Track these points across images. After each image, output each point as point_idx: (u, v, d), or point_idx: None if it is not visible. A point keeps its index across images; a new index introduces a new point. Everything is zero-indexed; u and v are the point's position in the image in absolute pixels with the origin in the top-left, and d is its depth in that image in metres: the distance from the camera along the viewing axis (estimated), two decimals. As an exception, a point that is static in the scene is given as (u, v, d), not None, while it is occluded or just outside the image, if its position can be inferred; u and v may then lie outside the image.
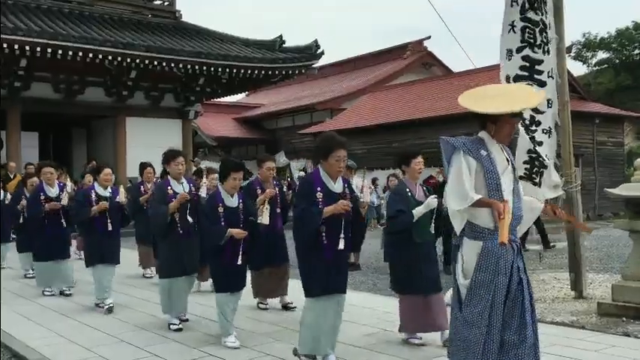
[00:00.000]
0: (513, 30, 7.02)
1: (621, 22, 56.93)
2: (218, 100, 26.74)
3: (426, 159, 5.55)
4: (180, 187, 6.14)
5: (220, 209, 5.37)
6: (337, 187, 4.58)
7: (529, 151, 7.03)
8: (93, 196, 7.06)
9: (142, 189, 8.94)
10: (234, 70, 19.39)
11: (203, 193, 6.87)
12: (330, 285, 4.56)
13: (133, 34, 18.64)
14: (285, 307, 6.82)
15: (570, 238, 7.70)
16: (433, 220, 5.30)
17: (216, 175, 7.60)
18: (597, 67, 38.87)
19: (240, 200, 5.53)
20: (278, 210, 6.74)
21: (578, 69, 39.19)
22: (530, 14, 6.94)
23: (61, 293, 7.86)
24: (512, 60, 7.12)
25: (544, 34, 7.04)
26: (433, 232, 5.39)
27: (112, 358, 5.13)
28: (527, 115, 7.05)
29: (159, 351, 5.29)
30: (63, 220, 7.80)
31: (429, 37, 33.53)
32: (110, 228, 7.07)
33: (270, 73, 20.39)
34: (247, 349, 5.27)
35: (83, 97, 19.22)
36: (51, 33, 16.22)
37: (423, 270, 5.23)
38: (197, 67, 18.63)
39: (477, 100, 3.75)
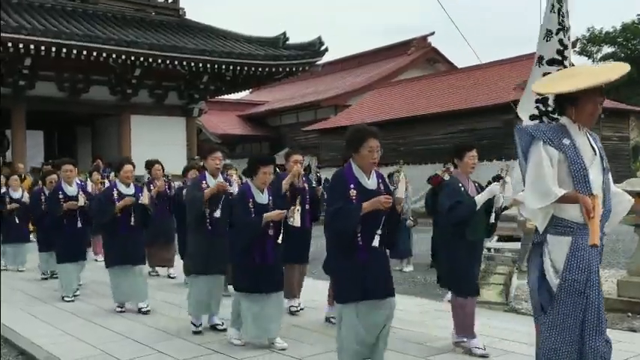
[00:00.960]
0: (553, 10, 7.02)
1: (626, 17, 56.68)
2: (222, 97, 26.73)
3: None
4: (214, 182, 5.96)
5: (251, 205, 5.17)
6: (371, 183, 4.23)
7: None
8: (115, 194, 6.76)
9: (152, 187, 8.61)
10: (238, 68, 19.39)
11: (235, 189, 6.54)
12: (369, 290, 4.11)
13: (137, 32, 18.65)
14: (291, 310, 6.57)
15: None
16: (489, 217, 5.00)
17: (233, 171, 7.66)
18: (602, 62, 38.70)
19: (270, 197, 5.34)
20: (307, 206, 6.39)
21: (583, 63, 39.01)
22: None
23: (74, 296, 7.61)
24: (550, 41, 7.10)
25: (566, 19, 7.07)
26: (488, 229, 5.12)
27: (116, 354, 5.15)
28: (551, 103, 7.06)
29: (163, 347, 5.31)
30: (79, 220, 7.56)
31: (433, 33, 33.44)
32: (132, 226, 6.77)
33: (273, 70, 20.38)
34: (252, 347, 5.25)
35: (88, 96, 19.25)
36: (55, 31, 16.24)
37: (476, 271, 5.07)
38: (201, 64, 18.63)
39: (554, 82, 3.53)
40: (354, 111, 28.58)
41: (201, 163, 6.85)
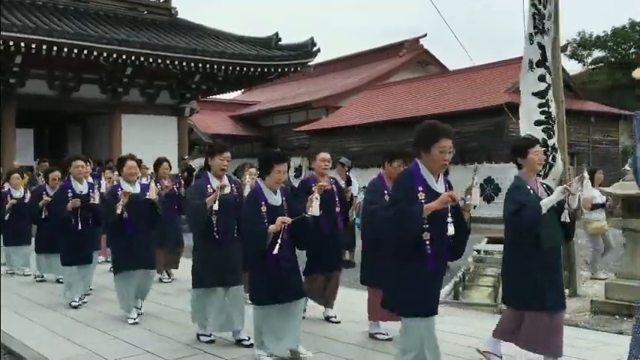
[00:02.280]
0: (531, 15, 7.15)
1: (617, 21, 57.05)
2: (214, 97, 26.70)
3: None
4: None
5: (263, 208, 4.70)
6: (440, 187, 3.88)
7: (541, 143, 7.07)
8: (120, 193, 6.18)
9: (160, 187, 8.01)
10: (230, 68, 19.36)
11: (247, 189, 6.04)
12: (435, 307, 3.83)
13: (129, 31, 18.58)
14: (328, 319, 6.12)
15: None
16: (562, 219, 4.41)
17: (253, 170, 6.99)
18: (593, 66, 38.91)
19: (284, 197, 4.86)
20: (337, 209, 5.96)
21: (573, 67, 39.23)
22: (535, 1, 7.09)
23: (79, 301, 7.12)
24: (533, 44, 7.22)
25: (541, 22, 7.16)
26: (566, 233, 4.53)
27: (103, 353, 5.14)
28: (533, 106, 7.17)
29: (151, 348, 5.29)
30: (91, 220, 7.04)
31: (425, 35, 33.56)
32: (138, 228, 6.22)
33: (265, 70, 20.36)
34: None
35: (78, 94, 19.17)
36: (46, 30, 16.15)
37: (552, 281, 4.39)
38: (192, 64, 18.59)
39: None
40: (344, 112, 28.63)
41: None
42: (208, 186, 5.31)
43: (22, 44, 15.63)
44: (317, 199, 4.71)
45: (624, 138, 25.94)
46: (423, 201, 3.76)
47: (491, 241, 10.89)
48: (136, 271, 6.26)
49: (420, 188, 3.82)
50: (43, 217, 8.16)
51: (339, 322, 6.02)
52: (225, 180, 5.40)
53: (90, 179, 7.62)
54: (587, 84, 34.17)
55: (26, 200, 9.34)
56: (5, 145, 17.62)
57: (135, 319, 6.16)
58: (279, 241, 4.51)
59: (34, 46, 15.76)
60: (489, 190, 19.32)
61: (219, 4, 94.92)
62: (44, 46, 15.87)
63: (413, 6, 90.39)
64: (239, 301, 5.39)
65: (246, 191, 5.86)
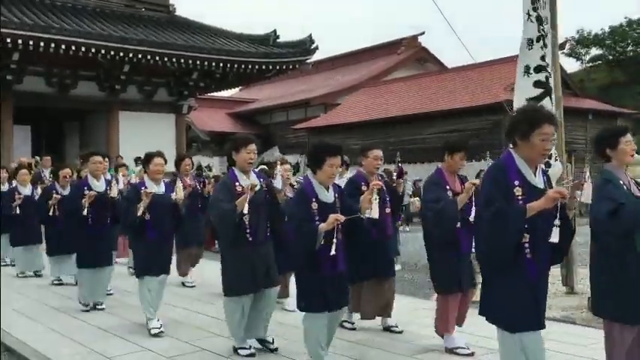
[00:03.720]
0: (530, 20, 7.09)
1: (615, 19, 57.08)
2: (212, 94, 26.67)
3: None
4: (251, 181, 4.97)
5: (314, 205, 4.25)
6: (539, 180, 3.36)
7: None
8: (142, 193, 5.70)
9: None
10: (228, 65, 19.33)
11: (278, 184, 5.63)
12: (541, 319, 3.38)
13: (126, 28, 18.54)
14: (389, 329, 5.68)
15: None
16: None
17: (288, 166, 6.56)
18: (591, 64, 38.99)
19: (336, 194, 4.43)
20: (388, 210, 5.52)
21: (571, 65, 39.27)
22: (537, 4, 7.05)
23: (95, 307, 6.69)
24: (533, 49, 7.15)
25: (541, 26, 7.13)
26: None
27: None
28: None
29: (150, 345, 5.29)
30: (108, 219, 6.65)
31: (423, 33, 33.55)
32: (161, 231, 5.77)
33: (263, 67, 20.34)
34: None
35: (76, 91, 19.13)
36: (44, 26, 16.11)
37: None
38: (190, 61, 18.56)
39: None
40: (343, 110, 28.61)
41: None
42: (236, 184, 4.87)
43: (20, 41, 15.59)
44: (376, 199, 4.34)
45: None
46: (520, 198, 3.23)
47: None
48: (157, 277, 5.80)
49: (517, 182, 3.28)
50: (51, 215, 7.73)
51: (401, 332, 5.57)
52: (254, 177, 4.98)
53: (108, 176, 7.20)
54: (585, 82, 34.23)
55: (36, 197, 8.89)
56: (2, 142, 17.57)
57: (159, 328, 5.67)
58: (334, 240, 4.08)
59: (31, 42, 15.72)
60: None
61: (217, 1, 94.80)
62: (42, 43, 15.83)
63: (412, 3, 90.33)
64: (272, 306, 5.07)
65: (278, 183, 5.53)
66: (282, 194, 5.23)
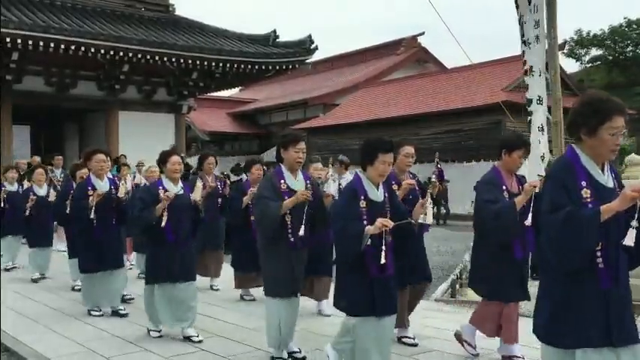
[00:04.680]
0: (523, 21, 7.20)
1: (614, 19, 57.14)
2: (211, 94, 26.67)
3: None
4: (298, 183, 4.75)
5: (362, 204, 4.00)
6: (607, 178, 3.00)
7: None
8: (161, 193, 5.42)
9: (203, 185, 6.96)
10: (228, 65, 19.32)
11: (330, 188, 5.34)
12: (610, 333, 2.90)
13: (126, 28, 18.53)
14: (400, 340, 5.30)
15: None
16: None
17: (319, 165, 6.28)
18: (590, 65, 39.01)
19: (386, 193, 4.18)
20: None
21: (571, 66, 39.31)
22: (531, 6, 7.13)
23: (115, 313, 6.38)
24: (533, 49, 7.28)
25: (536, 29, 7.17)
26: None
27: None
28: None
29: (146, 345, 5.29)
30: (114, 220, 6.42)
31: (423, 33, 33.60)
32: (181, 235, 5.47)
33: (263, 67, 20.32)
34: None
35: (75, 91, 19.10)
36: (43, 26, 16.09)
37: None
38: (190, 61, 18.54)
39: None
40: (342, 110, 28.63)
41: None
42: (282, 181, 4.70)
43: (19, 41, 15.57)
44: (430, 204, 4.12)
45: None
46: (589, 200, 2.88)
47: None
48: (176, 284, 5.46)
49: (584, 183, 2.91)
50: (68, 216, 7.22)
51: (415, 345, 5.23)
52: (301, 177, 4.78)
53: (110, 175, 6.94)
54: (584, 82, 34.24)
55: (50, 198, 8.59)
56: (2, 142, 17.57)
57: (159, 332, 5.44)
58: (383, 248, 3.82)
59: (30, 42, 15.69)
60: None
61: (217, 1, 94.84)
62: (41, 43, 15.80)
63: (412, 3, 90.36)
64: (296, 313, 4.85)
65: (329, 188, 5.26)
66: (330, 197, 4.97)
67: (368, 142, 4.20)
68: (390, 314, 4.05)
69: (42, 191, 8.85)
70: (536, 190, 4.21)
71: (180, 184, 5.63)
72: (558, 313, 2.98)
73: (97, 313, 6.36)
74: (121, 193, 6.45)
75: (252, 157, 8.13)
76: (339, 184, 6.54)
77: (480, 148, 20.60)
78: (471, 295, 7.79)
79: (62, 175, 12.59)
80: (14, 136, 18.16)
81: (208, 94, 25.20)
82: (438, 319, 6.25)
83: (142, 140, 17.93)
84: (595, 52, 38.35)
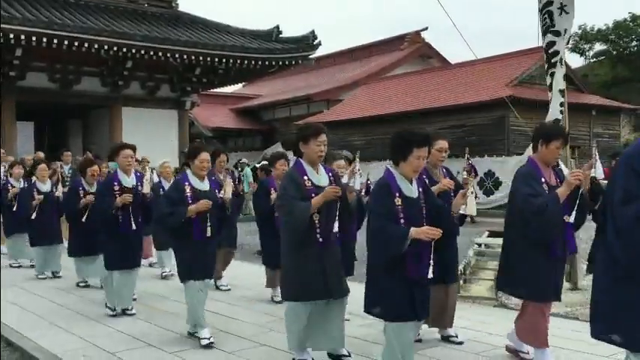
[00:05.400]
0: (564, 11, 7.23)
1: (618, 14, 56.89)
2: (215, 90, 26.67)
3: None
4: (322, 178, 4.50)
5: (397, 201, 3.78)
6: None
7: None
8: (188, 190, 5.23)
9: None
10: (231, 61, 19.31)
11: (356, 183, 5.07)
12: None
13: (129, 24, 18.53)
14: (447, 339, 5.16)
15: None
16: None
17: (342, 162, 5.92)
18: (594, 59, 38.86)
19: (420, 188, 3.95)
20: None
21: (575, 61, 39.18)
22: None
23: (124, 312, 6.26)
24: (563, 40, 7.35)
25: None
26: None
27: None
28: None
29: (151, 339, 5.30)
30: (133, 219, 6.18)
31: (427, 29, 33.49)
32: (209, 234, 5.27)
33: (266, 63, 20.31)
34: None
35: (79, 87, 19.13)
36: (46, 22, 16.11)
37: None
38: (193, 57, 18.54)
39: None
40: (345, 106, 28.57)
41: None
42: (305, 177, 4.43)
43: (23, 37, 15.59)
44: (472, 193, 3.92)
45: (626, 131, 25.90)
46: None
47: (492, 234, 10.87)
48: (202, 281, 5.30)
49: None
50: (83, 219, 7.22)
51: (462, 343, 5.05)
52: (323, 172, 4.55)
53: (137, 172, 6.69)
54: (588, 77, 34.11)
55: (56, 194, 8.47)
56: (6, 139, 17.60)
57: (209, 338, 5.15)
58: (431, 262, 3.67)
59: (34, 38, 15.72)
60: (489, 183, 19.32)
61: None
62: (44, 39, 15.83)
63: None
64: (342, 316, 4.60)
65: (354, 183, 4.98)
66: (354, 194, 4.74)
67: (401, 135, 3.90)
68: (426, 317, 3.86)
69: (45, 187, 8.63)
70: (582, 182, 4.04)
71: (206, 180, 5.42)
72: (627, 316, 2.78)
73: (112, 313, 6.21)
74: (146, 190, 6.28)
75: (278, 151, 7.73)
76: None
77: (484, 143, 20.56)
78: (475, 290, 7.79)
79: (70, 171, 12.54)
80: (18, 132, 18.19)
81: (211, 90, 25.20)
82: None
83: (146, 136, 17.94)
84: (599, 46, 38.19)
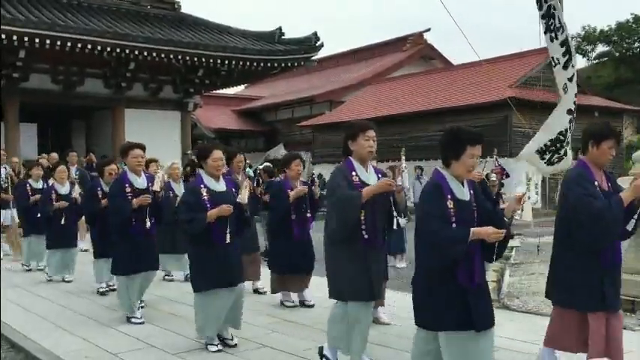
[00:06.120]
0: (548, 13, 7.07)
1: (621, 15, 56.83)
2: (217, 92, 26.71)
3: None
4: (370, 177, 4.34)
5: (450, 203, 3.52)
6: None
7: (560, 133, 7.01)
8: (204, 193, 4.95)
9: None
10: (233, 62, 19.33)
11: (405, 181, 4.88)
12: None
13: (132, 25, 18.56)
14: None
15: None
16: None
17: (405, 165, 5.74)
18: (597, 61, 38.84)
19: (471, 190, 3.67)
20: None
21: (577, 62, 39.12)
22: None
23: (128, 320, 6.06)
24: (554, 43, 7.15)
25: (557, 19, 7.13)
26: None
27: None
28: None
29: (153, 341, 5.30)
30: (148, 220, 6.00)
31: (429, 30, 33.53)
32: (228, 239, 5.00)
33: (269, 64, 20.32)
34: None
35: (82, 89, 19.15)
36: (49, 24, 16.14)
37: None
38: (196, 58, 18.56)
39: None
40: (348, 107, 28.58)
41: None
42: (353, 174, 4.28)
43: (26, 38, 15.62)
44: (529, 198, 3.87)
45: (628, 133, 25.86)
46: None
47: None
48: (221, 290, 4.99)
49: None
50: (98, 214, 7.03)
51: None
52: (372, 171, 4.38)
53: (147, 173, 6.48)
54: (591, 79, 34.09)
55: (73, 195, 8.27)
56: (8, 140, 17.63)
57: (217, 345, 4.99)
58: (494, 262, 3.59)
59: (37, 40, 15.73)
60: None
61: (218, 1, 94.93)
62: (47, 41, 15.85)
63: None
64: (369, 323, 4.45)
65: (403, 181, 4.75)
66: (403, 193, 4.61)
67: (453, 133, 3.63)
68: (490, 327, 3.59)
69: (64, 189, 8.43)
70: None
71: (222, 180, 5.13)
72: None
73: (138, 321, 5.95)
74: (157, 188, 6.00)
75: (292, 152, 7.69)
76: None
77: (488, 144, 20.53)
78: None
79: (77, 173, 12.46)
80: (21, 133, 18.20)
81: (214, 91, 25.23)
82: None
83: (149, 138, 17.82)
84: (602, 48, 38.19)
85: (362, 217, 4.17)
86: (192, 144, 22.26)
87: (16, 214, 10.29)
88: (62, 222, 8.26)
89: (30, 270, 9.42)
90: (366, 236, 4.20)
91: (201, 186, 4.98)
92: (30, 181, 9.62)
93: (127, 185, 5.96)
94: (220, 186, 5.05)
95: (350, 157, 4.37)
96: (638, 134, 31.56)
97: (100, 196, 7.17)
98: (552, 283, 4.25)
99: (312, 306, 6.58)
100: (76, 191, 8.30)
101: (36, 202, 9.15)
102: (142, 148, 6.16)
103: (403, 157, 4.95)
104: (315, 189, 6.67)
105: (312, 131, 29.08)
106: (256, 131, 34.15)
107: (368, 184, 4.24)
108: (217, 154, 5.02)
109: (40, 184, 9.48)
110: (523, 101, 19.06)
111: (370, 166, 4.42)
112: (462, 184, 3.62)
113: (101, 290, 7.48)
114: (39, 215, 8.81)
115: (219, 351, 5.01)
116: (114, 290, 7.04)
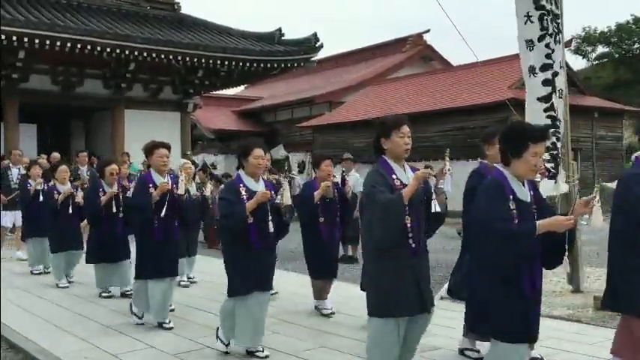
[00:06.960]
0: (530, 20, 7.02)
1: (621, 16, 56.89)
2: (217, 92, 26.70)
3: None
4: (410, 177, 3.89)
5: (512, 205, 3.28)
6: None
7: (551, 145, 7.00)
8: (243, 192, 4.79)
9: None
10: (233, 63, 19.34)
11: (447, 185, 4.34)
12: None
13: (132, 26, 18.57)
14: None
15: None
16: None
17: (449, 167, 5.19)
18: (597, 62, 38.84)
19: (531, 191, 3.47)
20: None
21: (577, 63, 39.18)
22: (543, 2, 6.98)
23: (161, 326, 5.87)
24: (534, 50, 7.08)
25: (554, 23, 7.10)
26: None
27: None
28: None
29: (153, 341, 5.30)
30: (176, 222, 5.91)
31: (429, 31, 33.51)
32: (263, 238, 4.85)
33: (268, 65, 20.33)
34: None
35: (81, 89, 19.16)
36: (49, 24, 16.14)
37: None
38: (196, 59, 18.57)
39: None
40: (348, 108, 28.58)
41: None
42: (393, 176, 3.85)
43: (25, 39, 15.62)
44: (598, 201, 3.43)
45: (628, 134, 25.88)
46: None
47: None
48: (253, 294, 4.80)
49: None
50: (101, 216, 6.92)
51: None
52: (408, 168, 3.97)
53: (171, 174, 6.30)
54: (591, 80, 34.11)
55: (77, 199, 8.01)
56: (8, 141, 17.62)
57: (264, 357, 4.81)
58: (567, 259, 3.28)
59: (37, 41, 15.74)
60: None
61: (217, 2, 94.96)
62: (47, 41, 15.85)
63: (417, 0, 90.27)
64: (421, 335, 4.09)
65: (445, 185, 4.27)
66: (444, 197, 4.21)
67: (514, 129, 3.41)
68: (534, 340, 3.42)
69: (65, 189, 8.20)
70: None
71: (261, 181, 4.96)
72: None
73: (168, 326, 5.79)
74: (181, 191, 5.86)
75: (321, 151, 7.50)
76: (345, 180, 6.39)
77: (487, 145, 20.56)
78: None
79: (88, 173, 12.40)
80: (21, 134, 18.20)
81: (214, 92, 25.23)
82: (442, 318, 6.23)
83: (148, 138, 17.75)
84: (601, 49, 38.18)
85: (408, 223, 3.72)
86: (191, 145, 22.29)
87: (20, 216, 10.24)
88: (63, 224, 8.06)
89: (40, 274, 9.16)
90: (413, 245, 3.76)
91: (240, 185, 4.82)
92: (30, 181, 9.60)
93: (150, 185, 5.79)
94: (260, 187, 4.85)
95: (384, 157, 3.96)
96: (638, 134, 31.63)
97: (101, 196, 7.12)
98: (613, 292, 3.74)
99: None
100: (79, 194, 8.06)
101: (34, 195, 9.01)
102: (168, 147, 6.00)
103: (447, 158, 4.47)
104: (347, 188, 6.39)
105: (311, 132, 29.07)
106: (256, 132, 34.12)
107: (406, 184, 3.81)
108: (259, 151, 4.83)
109: (40, 185, 9.27)
110: (523, 102, 19.04)
111: (407, 166, 3.99)
112: (523, 184, 3.40)
113: (104, 295, 7.34)
114: (35, 214, 8.80)
115: (221, 352, 5.01)
116: (123, 296, 7.14)
